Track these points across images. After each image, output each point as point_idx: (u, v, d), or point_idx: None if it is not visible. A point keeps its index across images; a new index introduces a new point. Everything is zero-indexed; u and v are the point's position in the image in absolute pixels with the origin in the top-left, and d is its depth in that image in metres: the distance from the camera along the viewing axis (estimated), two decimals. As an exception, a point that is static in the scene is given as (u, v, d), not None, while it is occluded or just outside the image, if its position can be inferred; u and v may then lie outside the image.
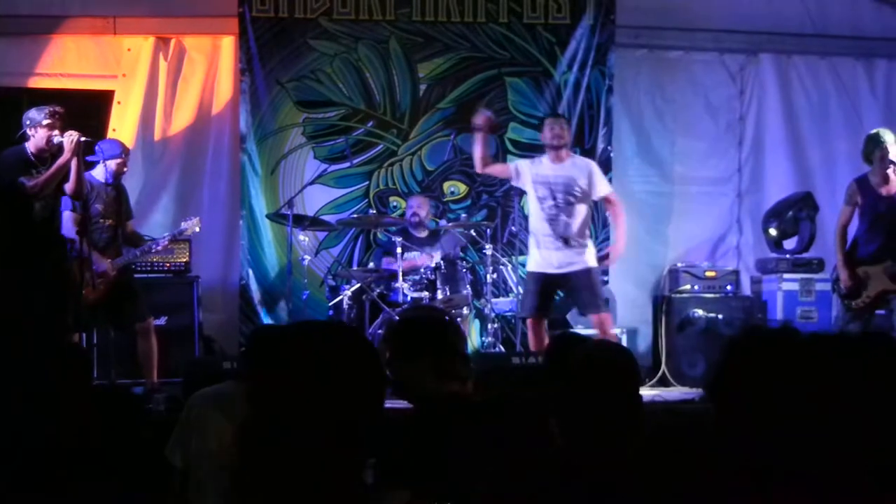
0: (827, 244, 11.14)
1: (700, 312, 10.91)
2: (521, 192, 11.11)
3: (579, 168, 9.34)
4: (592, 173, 9.36)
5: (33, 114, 8.59)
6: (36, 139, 8.54)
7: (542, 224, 9.22)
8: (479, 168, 9.64)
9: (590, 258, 9.26)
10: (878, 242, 9.24)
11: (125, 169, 9.29)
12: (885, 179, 9.21)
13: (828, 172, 11.70)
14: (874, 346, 1.73)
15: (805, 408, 1.66)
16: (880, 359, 1.70)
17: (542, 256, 9.25)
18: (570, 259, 9.18)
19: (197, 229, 9.55)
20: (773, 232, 11.23)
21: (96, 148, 9.01)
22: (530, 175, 9.32)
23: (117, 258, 9.13)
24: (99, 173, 9.12)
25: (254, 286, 11.04)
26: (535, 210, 9.33)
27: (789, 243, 11.30)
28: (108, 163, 9.10)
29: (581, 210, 9.23)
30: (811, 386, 1.67)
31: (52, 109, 8.57)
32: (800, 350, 1.74)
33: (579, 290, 9.26)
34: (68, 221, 8.87)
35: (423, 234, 10.64)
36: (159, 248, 9.37)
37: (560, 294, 9.62)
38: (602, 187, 9.40)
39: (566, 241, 9.16)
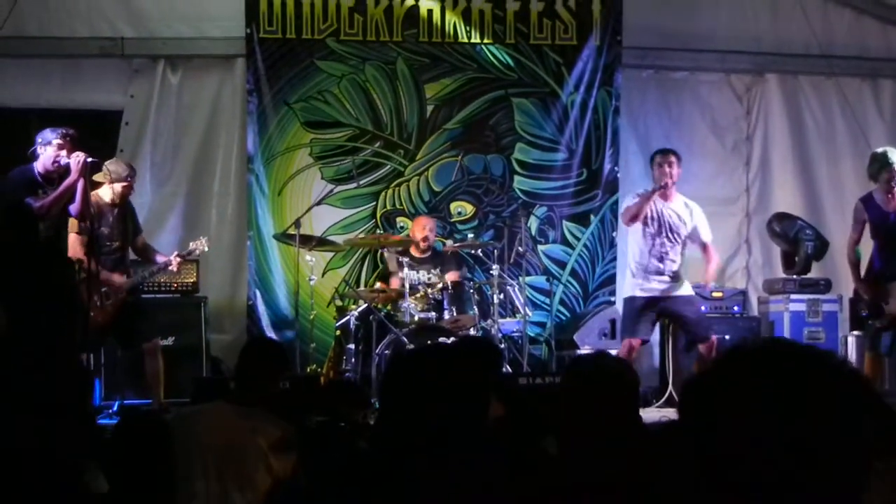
0: (836, 265, 11.16)
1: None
2: (528, 213, 11.15)
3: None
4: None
5: (47, 133, 8.63)
6: (44, 158, 8.57)
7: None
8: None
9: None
10: (892, 258, 9.19)
11: (131, 191, 9.32)
12: (890, 196, 9.18)
13: (836, 192, 11.69)
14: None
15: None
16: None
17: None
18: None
19: (205, 248, 9.57)
20: (776, 228, 11.24)
21: (104, 168, 9.03)
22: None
23: (126, 278, 9.15)
24: (105, 194, 9.14)
25: (261, 306, 11.05)
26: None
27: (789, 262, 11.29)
28: (115, 185, 9.13)
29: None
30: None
31: (64, 131, 8.62)
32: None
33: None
34: (75, 243, 8.88)
35: (429, 254, 10.65)
36: (171, 267, 9.37)
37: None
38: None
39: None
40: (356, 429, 6.01)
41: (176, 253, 9.45)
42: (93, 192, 8.91)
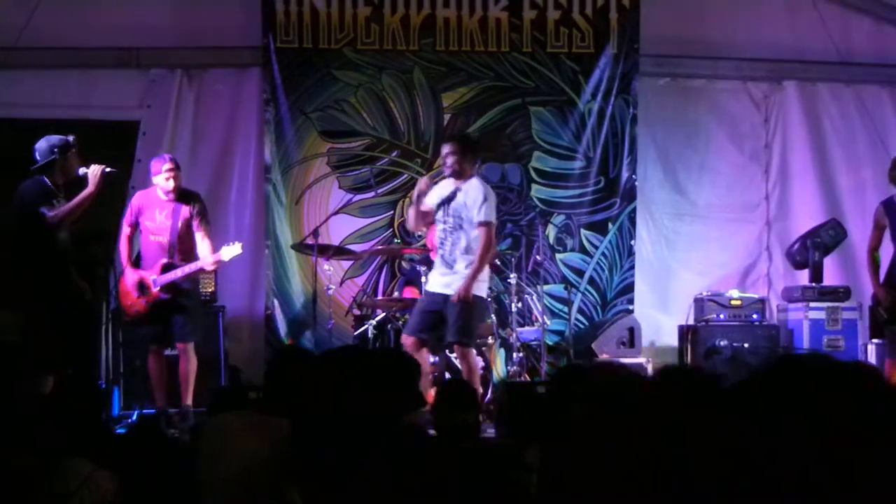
0: (856, 273, 11.10)
1: (725, 341, 10.81)
2: (546, 222, 11.13)
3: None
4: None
5: (58, 141, 8.58)
6: (66, 168, 8.57)
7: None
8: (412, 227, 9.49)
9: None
10: None
11: (171, 182, 9.08)
12: None
13: (856, 199, 11.62)
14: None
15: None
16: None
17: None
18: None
19: (238, 251, 9.29)
20: (797, 258, 11.20)
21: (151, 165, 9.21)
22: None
23: (161, 276, 9.01)
24: (157, 187, 9.14)
25: (279, 316, 11.04)
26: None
27: (803, 274, 11.24)
28: (154, 179, 9.13)
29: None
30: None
31: (75, 138, 8.63)
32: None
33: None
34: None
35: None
36: (209, 267, 9.27)
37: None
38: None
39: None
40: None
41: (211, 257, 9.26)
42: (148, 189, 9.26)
